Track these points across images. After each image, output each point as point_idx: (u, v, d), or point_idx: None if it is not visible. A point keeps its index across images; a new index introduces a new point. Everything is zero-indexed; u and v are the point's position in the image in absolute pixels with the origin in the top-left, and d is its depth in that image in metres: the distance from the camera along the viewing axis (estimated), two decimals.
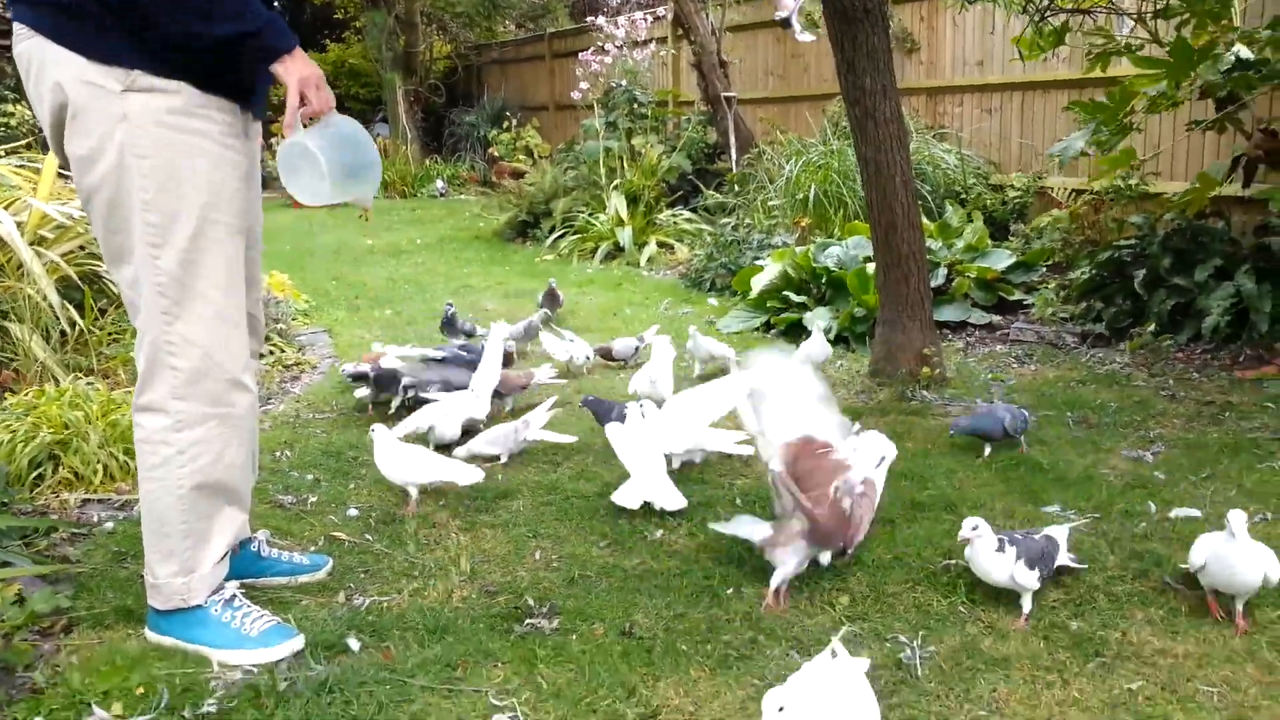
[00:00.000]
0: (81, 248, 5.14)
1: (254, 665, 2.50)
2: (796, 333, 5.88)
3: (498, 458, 3.99)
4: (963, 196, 7.32)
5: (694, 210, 9.24)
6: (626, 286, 7.75)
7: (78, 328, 4.81)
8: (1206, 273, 5.29)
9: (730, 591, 2.86)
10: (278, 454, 4.17)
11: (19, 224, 4.76)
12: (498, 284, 7.90)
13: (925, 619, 2.67)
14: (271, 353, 5.64)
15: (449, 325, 5.72)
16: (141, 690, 2.38)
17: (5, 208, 4.83)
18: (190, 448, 2.53)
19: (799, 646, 2.57)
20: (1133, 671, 2.40)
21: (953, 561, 2.94)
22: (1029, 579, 2.63)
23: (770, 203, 7.70)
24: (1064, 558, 2.80)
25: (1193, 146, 6.68)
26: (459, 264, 8.91)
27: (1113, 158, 5.18)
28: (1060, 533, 2.85)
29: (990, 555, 2.65)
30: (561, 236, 9.35)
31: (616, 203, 9.17)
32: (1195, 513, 3.19)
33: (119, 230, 2.46)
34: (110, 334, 5.03)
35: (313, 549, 3.20)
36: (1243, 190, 5.56)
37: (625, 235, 8.83)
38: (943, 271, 6.08)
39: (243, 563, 2.93)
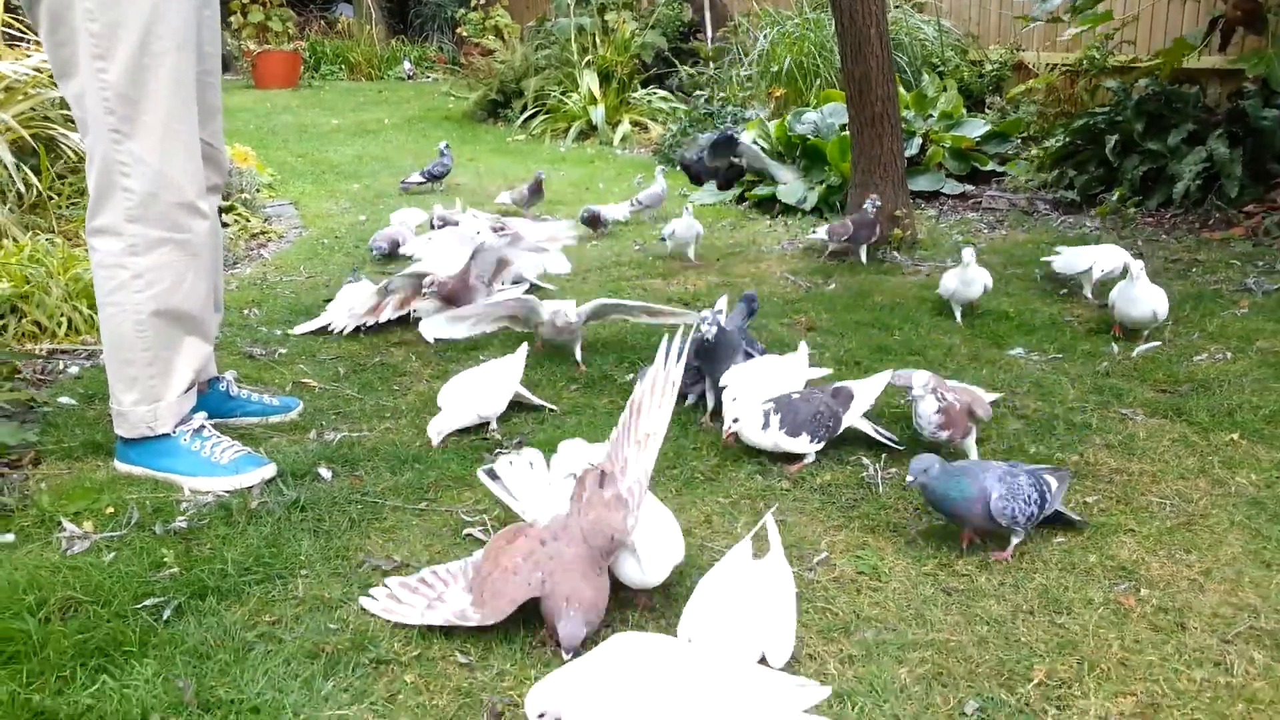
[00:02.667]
0: (34, 110, 4.98)
1: (225, 490, 2.51)
2: (769, 206, 5.84)
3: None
4: (940, 69, 7.20)
5: (669, 89, 9.06)
6: (599, 164, 7.64)
7: (34, 190, 4.69)
8: (1179, 137, 5.27)
9: (696, 427, 2.90)
10: (245, 311, 4.13)
11: None
12: (468, 160, 7.75)
13: (887, 449, 2.72)
14: (237, 221, 5.54)
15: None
16: (111, 510, 2.40)
17: None
18: (147, 272, 2.49)
19: (761, 469, 2.62)
20: (1089, 487, 2.47)
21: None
22: (797, 445, 2.60)
23: (744, 73, 7.55)
24: (862, 411, 2.71)
25: (1172, 20, 6.58)
26: (429, 142, 8.70)
27: (1091, 16, 5.10)
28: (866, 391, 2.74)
29: (756, 431, 2.62)
30: (533, 116, 9.16)
31: (589, 81, 8.96)
32: (1156, 344, 3.25)
33: (64, 43, 2.37)
34: (69, 198, 4.91)
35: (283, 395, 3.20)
36: (1220, 51, 5.50)
37: (598, 114, 8.65)
38: (917, 141, 6.02)
39: (211, 402, 2.92)
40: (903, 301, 3.94)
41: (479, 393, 2.94)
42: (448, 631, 1.96)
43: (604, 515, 1.97)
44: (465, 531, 2.36)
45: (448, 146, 6.62)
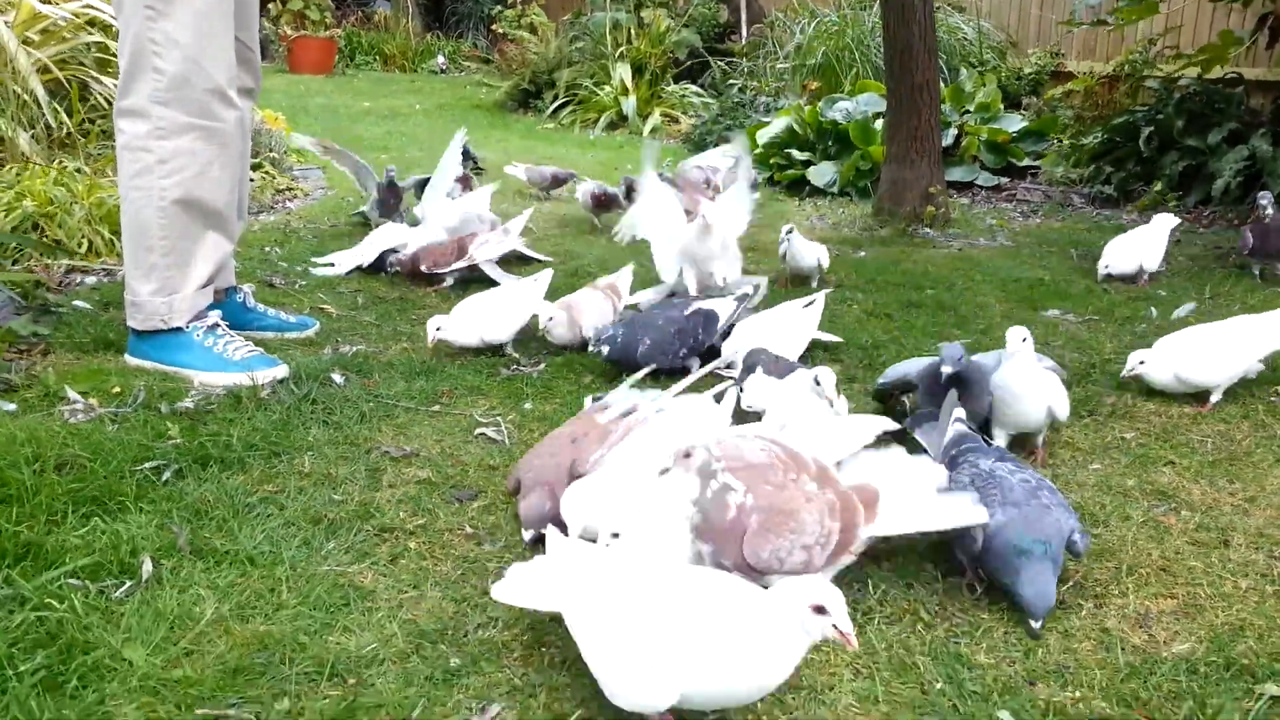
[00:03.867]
0: (71, 53, 4.99)
1: (237, 385, 2.45)
2: (799, 188, 5.78)
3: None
4: (979, 68, 7.14)
5: (701, 86, 9.03)
6: (628, 149, 7.60)
7: (65, 128, 4.68)
8: (1220, 136, 5.17)
9: None
10: (267, 249, 4.09)
11: (5, 22, 4.60)
12: (497, 142, 7.74)
13: None
14: (264, 177, 5.53)
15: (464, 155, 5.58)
16: (118, 390, 2.34)
17: None
18: (173, 158, 2.45)
19: None
20: (1126, 425, 2.37)
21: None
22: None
23: (779, 67, 7.51)
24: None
25: (1217, 26, 6.49)
26: (458, 125, 8.71)
27: (1135, 9, 5.03)
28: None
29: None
30: (563, 106, 9.14)
31: (621, 72, 8.94)
32: (1192, 306, 3.16)
33: None
34: (98, 138, 4.90)
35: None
36: (1267, 49, 5.41)
37: (629, 105, 8.62)
38: (952, 133, 5.95)
39: (228, 312, 2.85)
40: (935, 268, 3.86)
41: (488, 316, 2.82)
42: (455, 508, 1.88)
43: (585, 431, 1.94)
44: (477, 431, 2.29)
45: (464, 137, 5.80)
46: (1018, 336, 2.14)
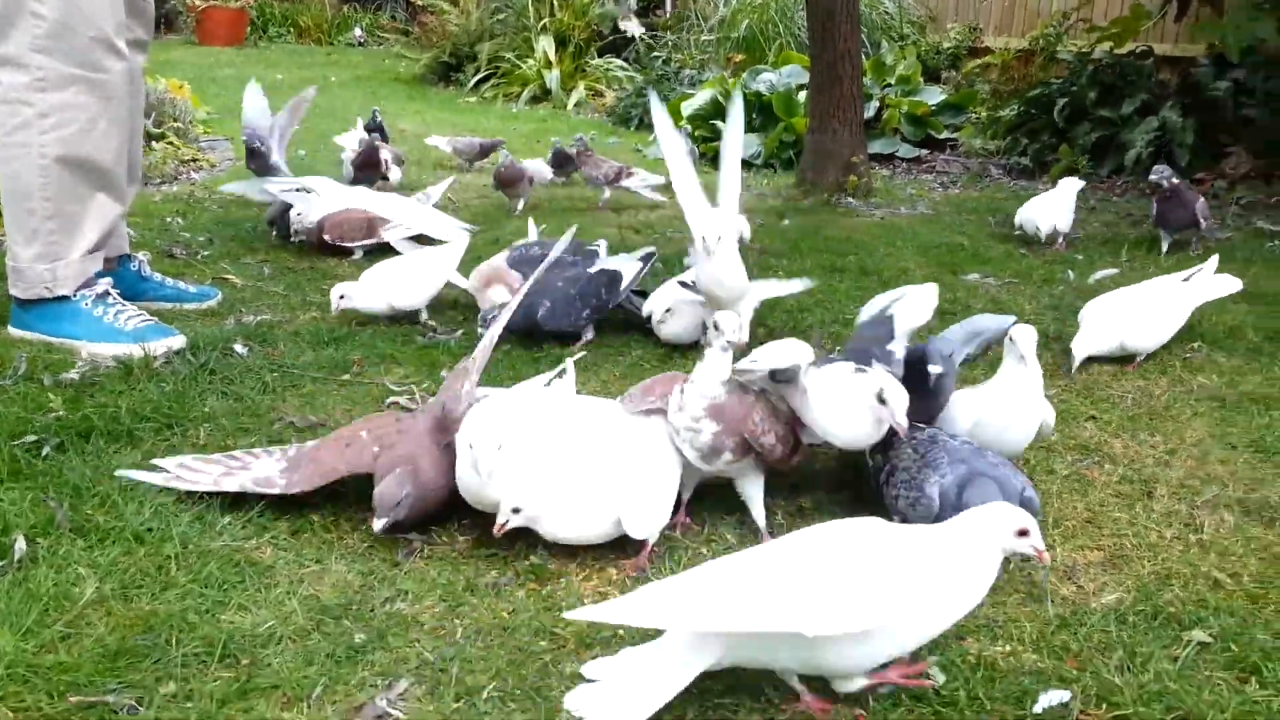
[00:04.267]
0: None
1: (128, 355, 2.29)
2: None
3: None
4: (900, 42, 7.18)
5: (626, 60, 8.91)
6: (551, 122, 7.46)
7: None
8: (1132, 107, 5.27)
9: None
10: (168, 219, 3.89)
11: None
12: (416, 114, 7.54)
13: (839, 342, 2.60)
14: (168, 147, 5.27)
15: (376, 130, 5.37)
16: None
17: None
18: (54, 112, 2.27)
19: None
20: (1048, 383, 2.33)
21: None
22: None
23: (703, 39, 7.44)
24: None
25: (1129, 3, 6.61)
26: (375, 99, 8.47)
27: None
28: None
29: None
30: (485, 80, 8.95)
31: (545, 45, 8.77)
32: (1113, 271, 3.19)
33: None
34: None
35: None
36: (1176, 21, 5.52)
37: (553, 78, 8.47)
38: (874, 105, 5.96)
39: (122, 281, 2.67)
40: (857, 235, 3.84)
41: (398, 283, 2.68)
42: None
43: (447, 385, 1.82)
44: (389, 400, 2.18)
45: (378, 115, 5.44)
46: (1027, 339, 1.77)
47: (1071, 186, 3.75)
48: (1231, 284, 2.64)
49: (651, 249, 2.89)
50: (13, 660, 1.27)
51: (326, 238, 3.38)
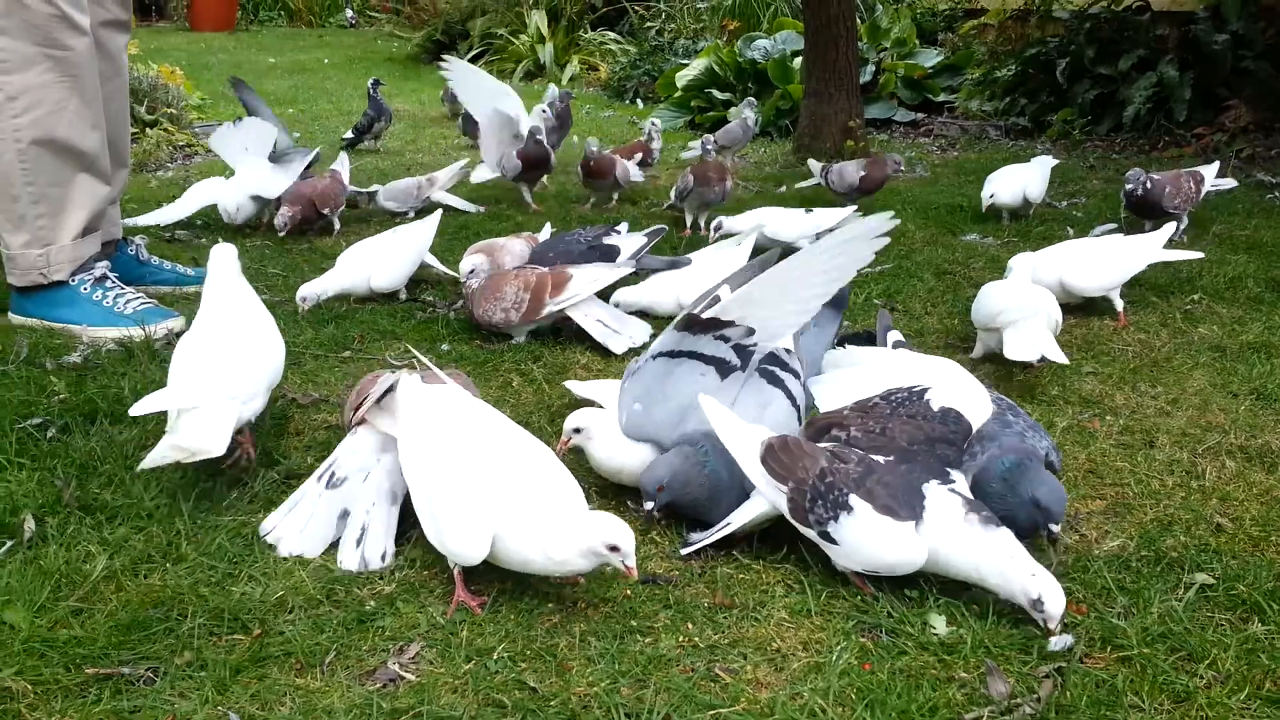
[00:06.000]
0: None
1: (128, 337, 2.30)
2: (720, 128, 5.69)
3: (405, 214, 3.79)
4: (895, 5, 7.12)
5: (619, 32, 8.85)
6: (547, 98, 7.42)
7: None
8: (1130, 63, 5.23)
9: None
10: (165, 204, 3.87)
11: None
12: (411, 91, 7.51)
13: None
14: (163, 133, 5.25)
15: (372, 101, 5.37)
16: None
17: None
18: (23, 94, 2.25)
19: None
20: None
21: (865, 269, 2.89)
22: None
23: (697, 6, 7.38)
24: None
25: None
26: (367, 79, 8.44)
27: None
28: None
29: None
30: (478, 56, 8.89)
31: (537, 20, 8.71)
32: (1112, 226, 3.18)
33: None
34: None
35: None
36: None
37: (546, 52, 8.42)
38: (870, 70, 5.92)
39: (120, 265, 2.67)
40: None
41: (373, 261, 2.65)
42: None
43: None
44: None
45: (376, 85, 5.49)
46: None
47: (1046, 163, 3.55)
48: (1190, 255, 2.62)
49: (662, 226, 2.88)
50: (28, 635, 1.28)
51: (325, 211, 3.38)
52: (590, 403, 1.88)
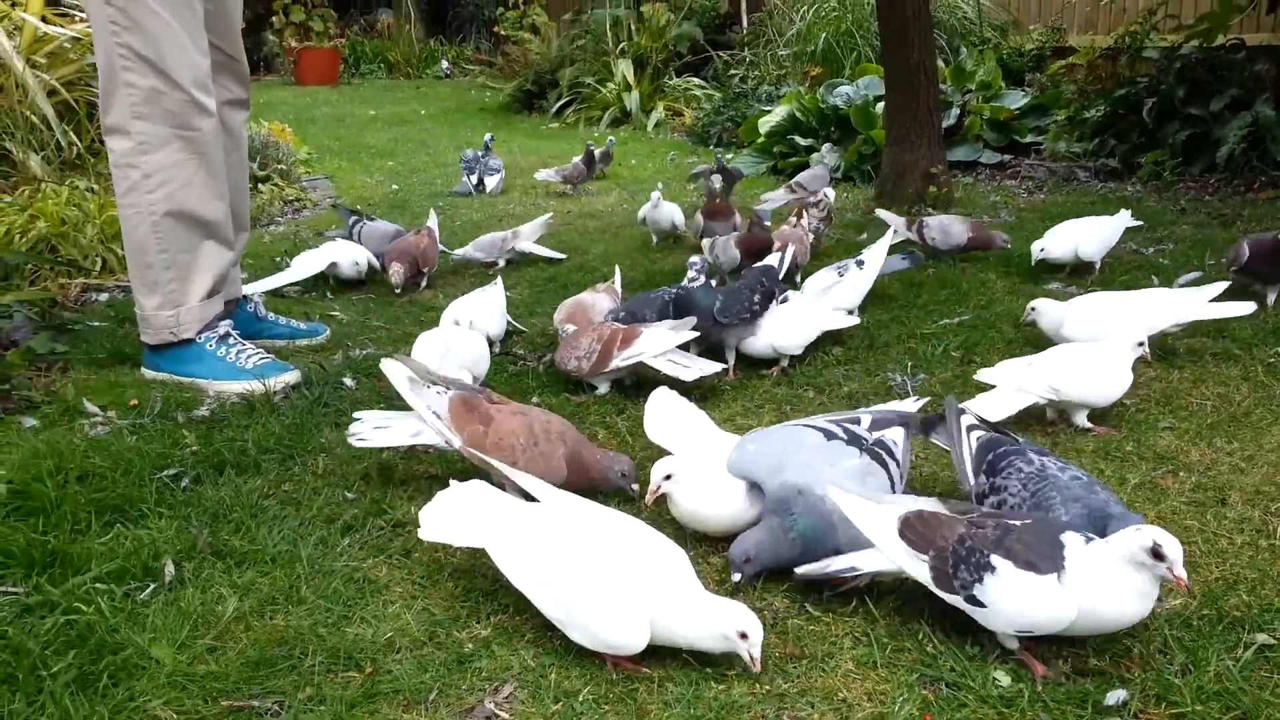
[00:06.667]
0: (79, 74, 5.07)
1: (250, 392, 2.51)
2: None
3: (493, 263, 4.01)
4: (980, 47, 7.13)
5: (704, 78, 9.05)
6: (632, 144, 7.63)
7: (75, 148, 4.77)
8: (1223, 103, 5.15)
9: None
10: (277, 259, 4.14)
11: (12, 47, 4.69)
12: (501, 141, 7.78)
13: (914, 359, 2.67)
14: (273, 189, 5.60)
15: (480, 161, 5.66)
16: (135, 402, 2.41)
17: None
18: (157, 171, 2.50)
19: (786, 379, 2.57)
20: (1127, 394, 2.39)
21: (945, 322, 2.95)
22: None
23: (780, 53, 7.52)
24: None
25: None
26: (463, 129, 8.79)
27: None
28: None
29: None
30: (567, 105, 9.19)
31: (624, 68, 8.97)
32: (1197, 274, 3.16)
33: None
34: (107, 157, 4.99)
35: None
36: (1269, 13, 5.38)
37: (632, 99, 8.66)
38: (955, 112, 5.95)
39: (239, 322, 2.91)
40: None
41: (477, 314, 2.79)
42: None
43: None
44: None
45: (491, 141, 5.90)
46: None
47: (1121, 219, 3.41)
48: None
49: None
50: (171, 670, 1.45)
51: (425, 270, 3.60)
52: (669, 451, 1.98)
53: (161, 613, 1.58)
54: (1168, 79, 5.38)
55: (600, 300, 2.94)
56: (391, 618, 1.59)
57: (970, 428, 1.82)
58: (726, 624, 1.42)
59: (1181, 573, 1.34)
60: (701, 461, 1.83)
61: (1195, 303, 2.51)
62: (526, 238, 4.03)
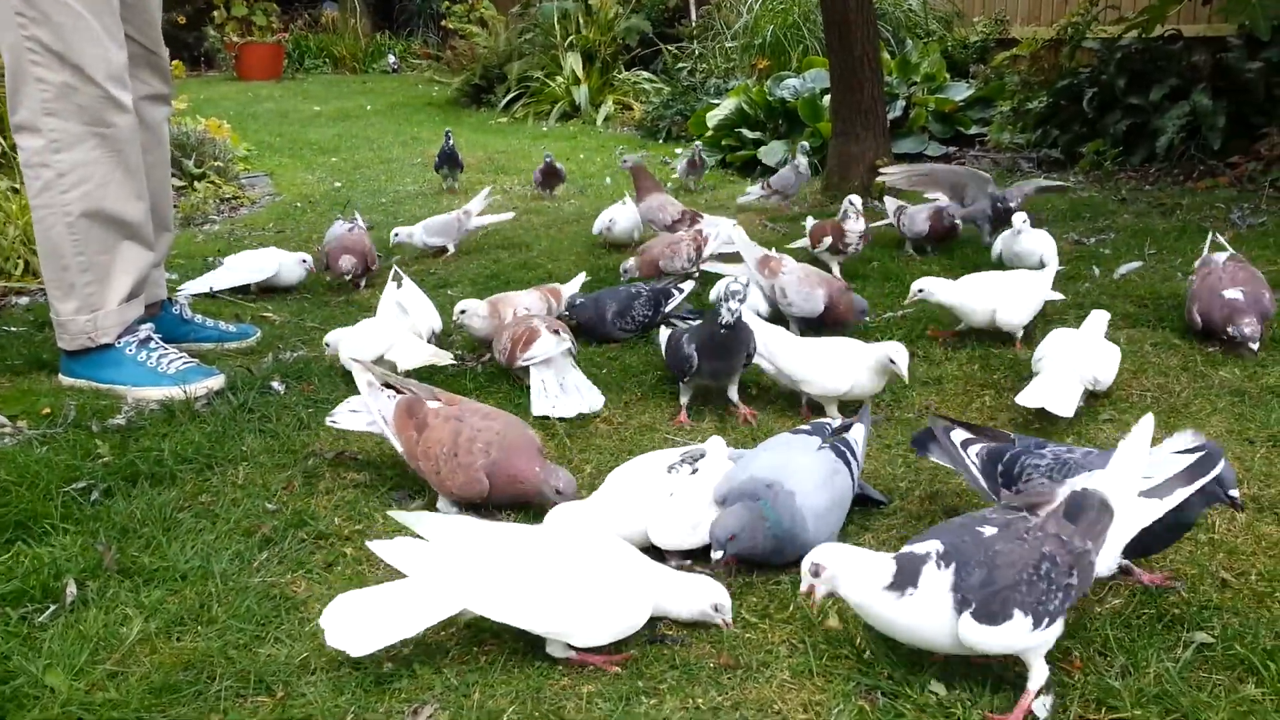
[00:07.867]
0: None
1: (170, 398, 2.40)
2: (751, 168, 5.77)
3: (445, 249, 3.95)
4: (925, 39, 7.15)
5: (653, 72, 8.99)
6: (582, 139, 7.56)
7: None
8: (1162, 93, 5.20)
9: None
10: (210, 259, 4.01)
11: None
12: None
13: None
14: (209, 186, 5.44)
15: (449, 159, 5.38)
16: (48, 411, 2.30)
17: None
18: (71, 170, 2.38)
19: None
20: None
21: (892, 314, 2.92)
22: None
23: (728, 46, 7.48)
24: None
25: None
26: (409, 125, 8.65)
27: None
28: None
29: None
30: (516, 99, 9.08)
31: (572, 62, 8.88)
32: (1137, 264, 3.17)
33: None
34: None
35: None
36: (1204, 4, 5.44)
37: (581, 94, 8.57)
38: (900, 104, 5.95)
39: (165, 325, 2.80)
40: (880, 238, 3.85)
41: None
42: (389, 509, 1.86)
43: None
44: None
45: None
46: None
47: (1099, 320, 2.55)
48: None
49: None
50: (66, 699, 1.36)
51: (372, 269, 3.52)
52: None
53: (60, 637, 1.49)
54: (1108, 69, 5.42)
55: (522, 298, 2.85)
56: (308, 637, 1.51)
57: (965, 443, 1.75)
58: (707, 598, 1.49)
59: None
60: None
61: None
62: (475, 213, 4.02)
